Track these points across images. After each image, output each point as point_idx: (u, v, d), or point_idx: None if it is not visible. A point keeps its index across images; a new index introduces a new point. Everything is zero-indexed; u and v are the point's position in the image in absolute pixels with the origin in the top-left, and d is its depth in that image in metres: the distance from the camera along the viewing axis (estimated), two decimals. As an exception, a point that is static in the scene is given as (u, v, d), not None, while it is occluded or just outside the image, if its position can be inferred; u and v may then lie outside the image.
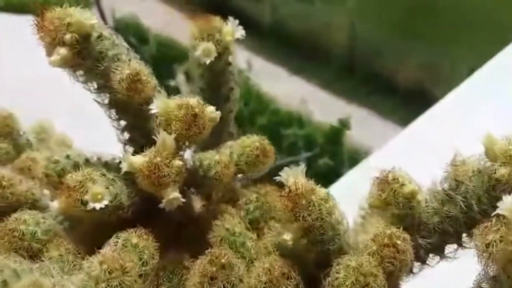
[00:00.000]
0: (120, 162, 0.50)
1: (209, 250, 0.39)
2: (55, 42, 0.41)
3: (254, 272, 0.37)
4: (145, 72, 0.44)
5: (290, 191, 0.37)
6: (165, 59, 3.87)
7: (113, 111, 0.48)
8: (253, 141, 0.49)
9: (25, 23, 0.42)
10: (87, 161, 0.50)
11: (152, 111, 0.43)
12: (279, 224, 0.44)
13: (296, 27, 4.26)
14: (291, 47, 4.15)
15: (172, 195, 0.41)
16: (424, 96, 3.95)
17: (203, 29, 0.50)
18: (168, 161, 0.41)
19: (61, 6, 0.42)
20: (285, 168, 0.39)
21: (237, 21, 0.52)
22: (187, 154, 0.46)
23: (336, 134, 3.57)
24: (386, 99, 4.02)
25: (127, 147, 0.51)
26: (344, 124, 3.56)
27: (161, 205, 0.41)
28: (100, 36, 0.43)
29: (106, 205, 0.41)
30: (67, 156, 0.49)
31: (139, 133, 0.48)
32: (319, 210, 0.36)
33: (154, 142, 0.45)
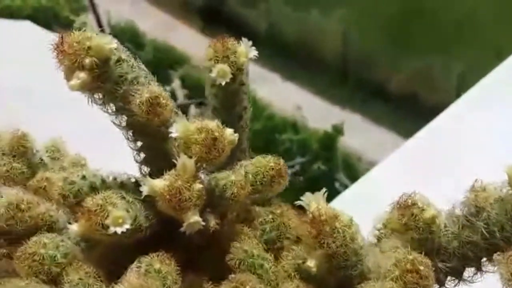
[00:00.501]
0: (136, 182, 0.50)
1: (232, 276, 0.39)
2: (75, 66, 0.41)
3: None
4: (164, 95, 0.44)
5: (314, 217, 0.37)
6: (160, 64, 3.88)
7: (130, 133, 0.48)
8: (268, 161, 0.49)
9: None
10: (103, 182, 0.49)
11: (172, 135, 0.43)
12: (298, 246, 0.45)
13: (291, 34, 4.28)
14: (286, 54, 4.17)
15: (193, 219, 0.41)
16: (415, 102, 3.98)
17: (218, 50, 0.50)
18: (188, 184, 0.41)
19: (79, 30, 0.42)
20: (307, 193, 0.39)
21: (250, 42, 0.52)
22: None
23: (329, 140, 3.59)
24: (378, 105, 4.05)
25: (143, 167, 0.51)
26: (337, 130, 3.59)
27: (182, 229, 0.41)
28: (119, 60, 0.43)
29: (126, 229, 0.41)
30: (83, 177, 0.49)
31: (156, 154, 0.48)
32: (343, 236, 0.36)
33: (170, 163, 0.45)
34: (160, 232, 0.46)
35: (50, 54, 0.41)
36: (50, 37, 0.41)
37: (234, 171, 0.48)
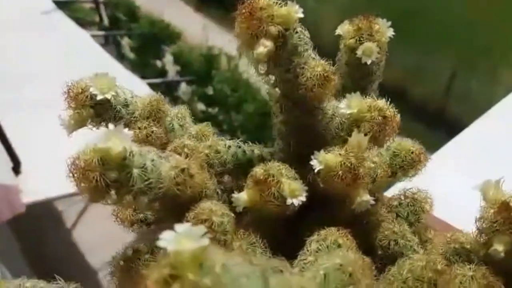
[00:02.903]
0: (272, 154, 0.49)
1: (414, 256, 0.39)
2: (260, 34, 0.40)
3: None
4: (333, 71, 0.43)
5: (503, 204, 0.37)
6: (154, 38, 3.81)
7: (282, 105, 0.47)
8: (409, 145, 0.49)
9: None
10: (245, 153, 0.49)
11: (342, 111, 0.43)
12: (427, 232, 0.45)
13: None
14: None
15: (365, 197, 0.41)
16: (405, 96, 4.05)
17: (364, 28, 0.50)
18: (361, 162, 0.41)
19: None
20: (486, 180, 0.40)
21: (386, 22, 0.52)
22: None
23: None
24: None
25: (279, 141, 0.50)
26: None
27: (353, 207, 0.41)
28: (296, 31, 0.42)
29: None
30: (228, 147, 0.48)
31: (301, 128, 0.48)
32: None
33: (316, 138, 0.45)
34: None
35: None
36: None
37: (379, 153, 0.48)
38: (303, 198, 0.40)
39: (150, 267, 0.27)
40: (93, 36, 3.37)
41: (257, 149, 0.49)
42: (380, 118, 0.42)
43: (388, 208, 0.50)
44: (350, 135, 0.42)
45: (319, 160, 0.41)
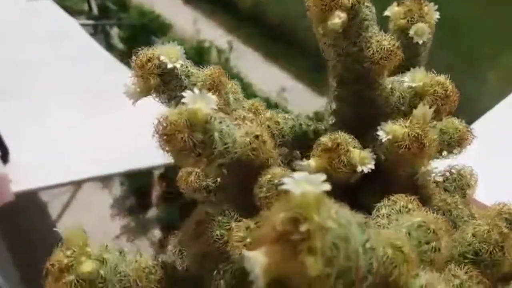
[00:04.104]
0: (325, 130, 0.51)
1: (476, 222, 0.41)
2: (333, 6, 0.41)
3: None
4: (398, 45, 0.45)
5: None
6: (144, 29, 3.79)
7: (338, 80, 0.48)
8: (456, 123, 0.51)
9: None
10: (301, 126, 0.50)
11: (406, 83, 0.45)
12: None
13: (276, 14, 4.28)
14: (269, 33, 4.17)
15: (429, 167, 0.43)
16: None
17: (414, 10, 0.52)
18: (426, 133, 0.43)
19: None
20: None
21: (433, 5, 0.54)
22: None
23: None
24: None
25: (332, 116, 0.52)
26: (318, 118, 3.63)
27: (416, 177, 0.43)
28: (366, 5, 0.44)
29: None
30: (286, 120, 0.49)
31: (360, 100, 0.49)
32: None
33: (375, 109, 0.47)
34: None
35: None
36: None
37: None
38: (371, 166, 0.42)
39: (272, 210, 0.28)
40: (82, 25, 3.33)
41: (312, 124, 0.51)
42: (442, 92, 0.44)
43: (435, 184, 0.52)
44: (411, 109, 0.44)
45: (386, 131, 0.43)
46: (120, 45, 3.93)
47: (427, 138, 0.42)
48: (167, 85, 0.47)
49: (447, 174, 0.52)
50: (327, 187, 0.27)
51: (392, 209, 0.40)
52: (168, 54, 0.45)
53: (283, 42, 4.13)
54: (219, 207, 0.44)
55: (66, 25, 3.17)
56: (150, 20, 3.78)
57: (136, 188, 3.26)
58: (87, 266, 0.35)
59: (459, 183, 0.51)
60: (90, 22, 3.88)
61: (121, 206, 3.28)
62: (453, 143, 0.51)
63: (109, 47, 3.75)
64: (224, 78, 0.50)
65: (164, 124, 0.38)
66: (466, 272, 0.38)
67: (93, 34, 3.63)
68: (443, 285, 0.33)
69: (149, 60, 0.46)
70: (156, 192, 3.07)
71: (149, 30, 3.81)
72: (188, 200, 0.50)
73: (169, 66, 0.45)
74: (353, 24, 0.43)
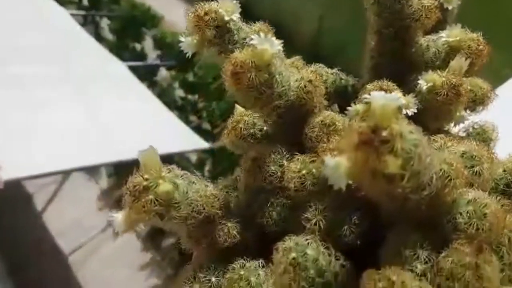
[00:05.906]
0: (363, 85, 0.55)
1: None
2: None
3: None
4: (436, 5, 0.50)
5: None
6: (134, 21, 3.79)
7: (377, 36, 0.53)
8: (480, 82, 0.56)
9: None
10: (341, 81, 0.54)
11: (444, 39, 0.49)
12: None
13: (266, 11, 4.32)
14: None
15: (464, 112, 0.48)
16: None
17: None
18: (462, 82, 0.47)
19: None
20: None
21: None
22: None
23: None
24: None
25: (367, 74, 0.56)
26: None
27: (452, 122, 0.48)
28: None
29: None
30: (328, 73, 0.53)
31: (393, 58, 0.53)
32: None
33: (408, 67, 0.51)
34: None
35: None
36: None
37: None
38: (414, 109, 0.46)
39: (351, 125, 0.32)
40: (72, 15, 3.33)
41: (351, 80, 0.55)
42: (475, 47, 0.49)
43: (459, 139, 0.56)
44: (445, 64, 0.49)
45: (427, 79, 0.47)
46: (110, 36, 3.93)
47: (463, 87, 0.47)
48: (221, 37, 0.50)
49: (470, 129, 0.57)
50: (403, 101, 0.31)
51: (433, 146, 0.45)
52: (225, 7, 0.49)
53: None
54: (270, 148, 0.48)
55: (56, 15, 3.16)
56: (141, 12, 3.78)
57: (123, 180, 3.26)
58: (165, 187, 0.39)
59: (483, 136, 0.56)
60: (80, 12, 3.87)
61: (108, 198, 3.28)
62: (477, 100, 0.55)
63: (99, 38, 3.74)
64: (270, 33, 0.54)
65: (234, 64, 0.41)
66: (499, 201, 0.42)
67: (83, 25, 3.63)
68: (489, 200, 0.37)
69: (206, 13, 0.49)
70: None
71: (139, 22, 3.81)
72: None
73: (227, 18, 0.49)
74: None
